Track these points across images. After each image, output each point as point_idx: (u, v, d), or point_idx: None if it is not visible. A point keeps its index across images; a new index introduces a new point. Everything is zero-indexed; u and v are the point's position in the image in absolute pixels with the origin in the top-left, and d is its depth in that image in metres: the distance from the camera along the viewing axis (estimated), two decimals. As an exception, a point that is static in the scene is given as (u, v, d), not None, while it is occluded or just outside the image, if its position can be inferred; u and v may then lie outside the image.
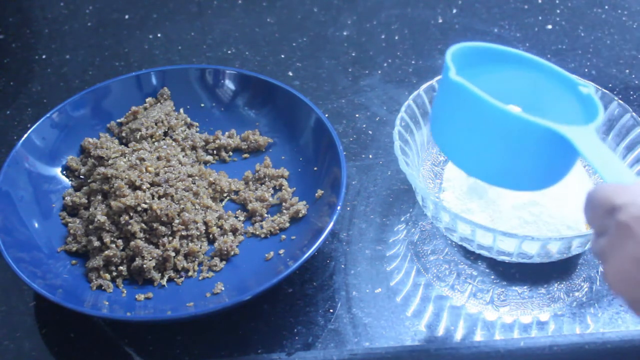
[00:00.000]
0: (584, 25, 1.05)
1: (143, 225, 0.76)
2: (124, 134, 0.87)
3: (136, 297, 0.74)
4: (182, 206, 0.77)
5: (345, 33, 1.05)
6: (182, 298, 0.74)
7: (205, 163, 0.87)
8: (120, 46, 1.04)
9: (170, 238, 0.76)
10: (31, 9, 1.10)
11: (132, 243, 0.75)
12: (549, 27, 1.05)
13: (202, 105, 0.90)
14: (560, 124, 0.61)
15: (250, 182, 0.85)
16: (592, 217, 0.56)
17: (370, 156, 0.89)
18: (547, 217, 0.76)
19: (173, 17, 1.08)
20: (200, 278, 0.76)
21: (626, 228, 0.51)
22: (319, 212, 0.78)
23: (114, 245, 0.75)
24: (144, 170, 0.78)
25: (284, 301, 0.76)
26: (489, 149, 0.65)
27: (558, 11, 1.08)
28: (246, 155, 0.88)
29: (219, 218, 0.80)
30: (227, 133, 0.88)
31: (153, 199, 0.77)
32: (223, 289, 0.74)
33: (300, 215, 0.80)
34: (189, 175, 0.81)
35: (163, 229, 0.76)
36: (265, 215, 0.81)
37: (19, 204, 0.78)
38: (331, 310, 0.75)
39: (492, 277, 0.77)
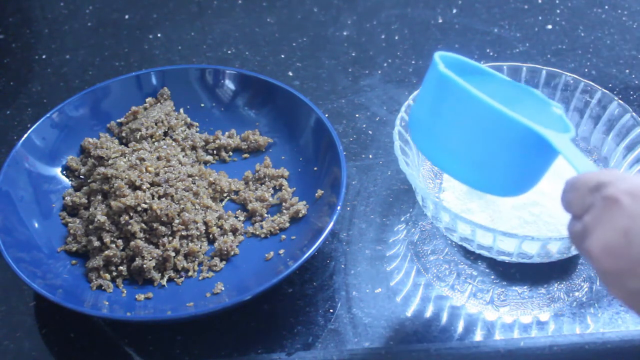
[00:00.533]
0: (584, 25, 1.05)
1: (143, 225, 0.76)
2: (124, 134, 0.87)
3: (136, 297, 0.74)
4: (182, 206, 0.77)
5: (345, 33, 1.05)
6: (182, 298, 0.74)
7: (205, 163, 0.87)
8: (120, 46, 1.04)
9: (170, 238, 0.76)
10: (31, 9, 1.10)
11: (132, 243, 0.75)
12: (549, 27, 1.05)
13: (202, 105, 0.90)
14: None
15: (250, 182, 0.85)
16: (572, 198, 0.56)
17: (370, 156, 0.89)
18: (547, 217, 0.76)
19: (173, 17, 1.08)
20: (200, 278, 0.76)
21: (614, 201, 0.51)
22: (319, 212, 0.78)
23: (114, 245, 0.75)
24: (144, 170, 0.78)
25: (284, 301, 0.76)
26: (469, 145, 0.65)
27: (558, 11, 1.08)
28: (246, 155, 0.88)
29: (219, 218, 0.80)
30: (227, 133, 0.88)
31: (153, 199, 0.77)
32: (223, 289, 0.74)
33: (300, 215, 0.80)
34: (189, 175, 0.81)
35: (163, 229, 0.76)
36: (265, 215, 0.81)
37: (19, 204, 0.78)
38: (331, 310, 0.75)
39: (492, 277, 0.77)
